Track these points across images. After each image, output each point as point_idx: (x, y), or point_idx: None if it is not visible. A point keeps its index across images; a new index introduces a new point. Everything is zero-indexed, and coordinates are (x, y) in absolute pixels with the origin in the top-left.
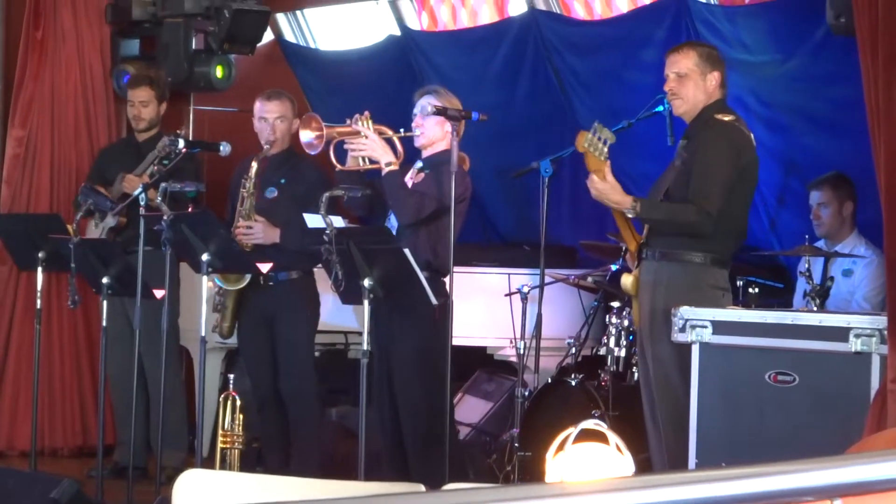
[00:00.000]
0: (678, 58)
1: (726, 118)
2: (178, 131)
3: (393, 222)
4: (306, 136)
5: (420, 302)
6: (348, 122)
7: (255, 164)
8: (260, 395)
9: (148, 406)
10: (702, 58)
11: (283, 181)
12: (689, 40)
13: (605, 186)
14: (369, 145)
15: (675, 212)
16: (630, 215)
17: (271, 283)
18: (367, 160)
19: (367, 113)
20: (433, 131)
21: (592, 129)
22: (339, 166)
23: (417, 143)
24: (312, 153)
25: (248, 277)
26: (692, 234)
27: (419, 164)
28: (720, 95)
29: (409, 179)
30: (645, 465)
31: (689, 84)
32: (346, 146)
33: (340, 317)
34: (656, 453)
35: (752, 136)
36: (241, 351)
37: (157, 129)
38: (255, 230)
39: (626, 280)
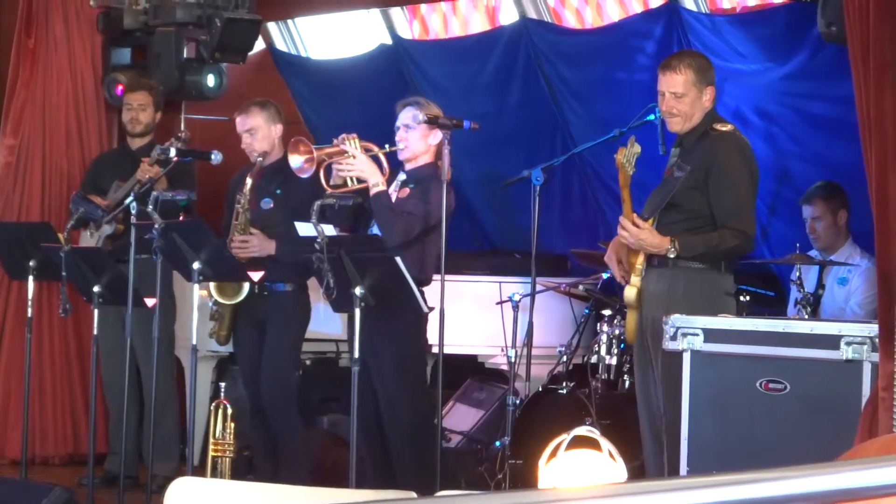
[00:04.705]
0: (675, 77)
1: (725, 128)
2: (180, 134)
3: (376, 231)
4: (295, 160)
5: (402, 311)
6: (335, 141)
7: (249, 180)
8: (251, 403)
9: (142, 415)
10: (698, 75)
11: (278, 192)
12: (682, 55)
13: (643, 233)
14: (358, 165)
15: (714, 242)
16: (671, 255)
17: (266, 293)
18: (355, 180)
19: (354, 134)
20: (417, 145)
21: (629, 143)
22: (329, 189)
23: (401, 156)
24: (304, 176)
25: (244, 292)
26: (734, 257)
27: (402, 177)
28: (712, 105)
29: (394, 192)
30: (636, 474)
31: (687, 102)
32: (334, 166)
33: (331, 325)
34: (652, 463)
35: (748, 142)
36: (236, 358)
37: (150, 137)
38: (252, 243)
39: (630, 292)
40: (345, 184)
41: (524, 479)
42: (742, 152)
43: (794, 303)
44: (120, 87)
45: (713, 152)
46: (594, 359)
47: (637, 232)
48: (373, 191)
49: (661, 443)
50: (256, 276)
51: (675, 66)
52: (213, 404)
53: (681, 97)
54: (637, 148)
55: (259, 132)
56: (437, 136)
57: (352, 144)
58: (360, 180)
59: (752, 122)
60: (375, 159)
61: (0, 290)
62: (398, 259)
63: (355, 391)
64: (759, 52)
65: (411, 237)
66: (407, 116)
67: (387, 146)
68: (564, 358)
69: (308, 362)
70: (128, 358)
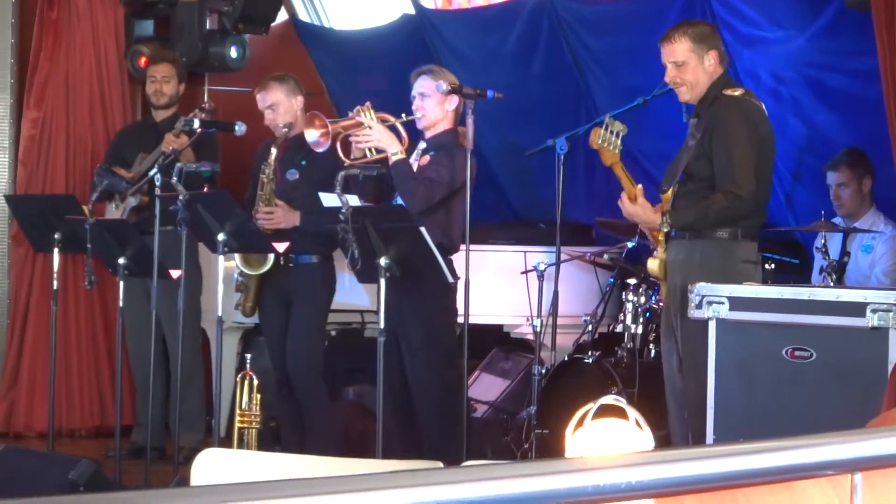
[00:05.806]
0: (672, 47)
1: (735, 93)
2: (204, 105)
3: (400, 202)
4: (311, 135)
5: (431, 281)
6: (350, 114)
7: (273, 150)
8: (278, 375)
9: (168, 387)
10: (695, 41)
11: (303, 163)
12: (679, 24)
13: (635, 209)
14: (374, 136)
15: (705, 208)
16: (665, 230)
17: (292, 265)
18: (374, 151)
19: (368, 104)
20: (434, 112)
21: (604, 124)
22: (347, 161)
23: (420, 125)
24: (320, 150)
25: (269, 262)
26: (729, 220)
27: (423, 146)
28: (722, 70)
29: (415, 162)
30: (663, 442)
31: (689, 70)
32: (351, 139)
33: (357, 296)
34: (677, 432)
35: (763, 106)
36: (262, 331)
37: (174, 109)
38: (276, 215)
39: (653, 263)
40: (364, 156)
41: (550, 448)
42: (743, 114)
43: (819, 270)
44: (143, 60)
45: (717, 117)
46: (620, 328)
47: (630, 207)
48: (392, 160)
49: (683, 410)
50: (281, 247)
51: (671, 36)
52: (239, 376)
53: (682, 66)
54: (619, 126)
55: (280, 106)
56: (454, 101)
57: (367, 116)
58: (379, 151)
59: (775, 89)
60: (393, 129)
61: (26, 263)
62: (423, 229)
63: (381, 362)
64: (781, 18)
65: (433, 202)
66: (422, 85)
67: (403, 115)
68: (590, 327)
69: (333, 333)
70: (153, 330)
